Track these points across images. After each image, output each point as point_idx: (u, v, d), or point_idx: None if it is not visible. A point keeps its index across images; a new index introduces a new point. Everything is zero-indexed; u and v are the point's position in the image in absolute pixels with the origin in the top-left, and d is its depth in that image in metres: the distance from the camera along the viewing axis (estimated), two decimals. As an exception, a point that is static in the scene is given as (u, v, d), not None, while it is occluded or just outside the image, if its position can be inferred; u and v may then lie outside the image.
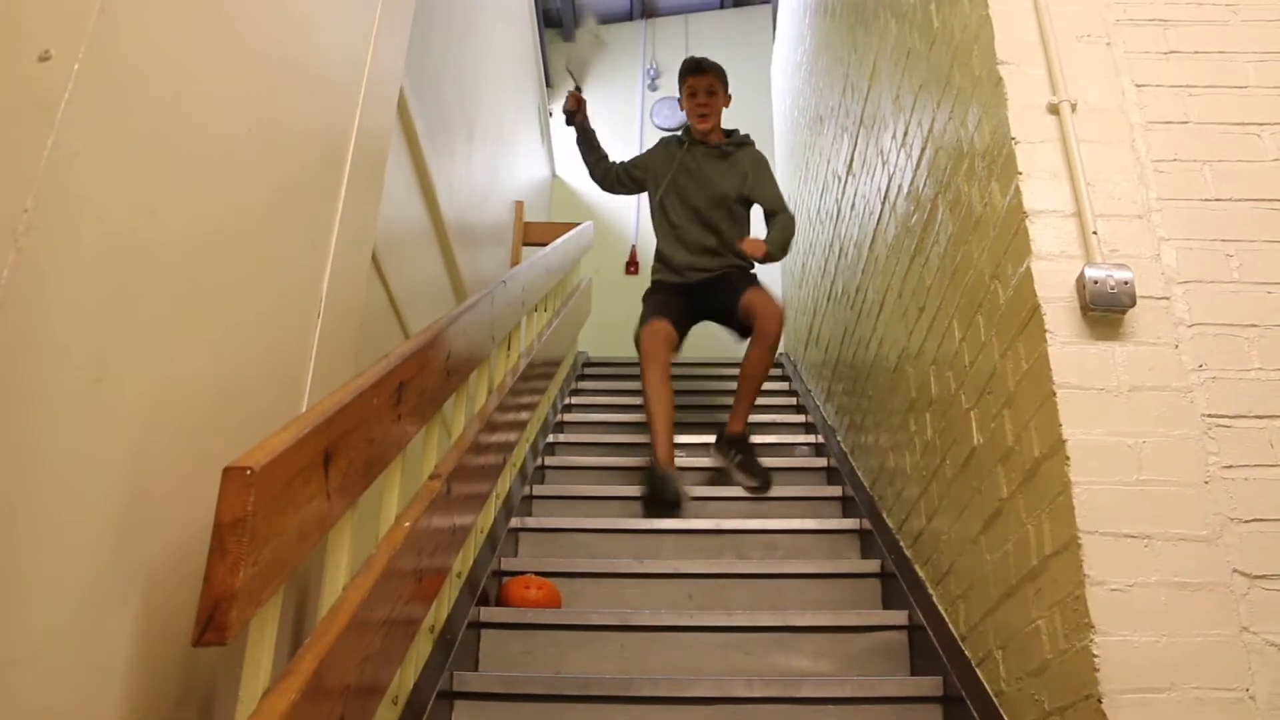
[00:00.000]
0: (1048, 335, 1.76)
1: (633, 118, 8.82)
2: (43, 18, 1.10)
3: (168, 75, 1.33)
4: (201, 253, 1.45)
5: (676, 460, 3.74)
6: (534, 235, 6.05)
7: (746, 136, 4.29)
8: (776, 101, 7.44)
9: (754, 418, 4.19)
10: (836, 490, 3.64)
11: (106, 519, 1.20)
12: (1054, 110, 1.95)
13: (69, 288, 1.11)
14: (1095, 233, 1.82)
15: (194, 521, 1.39)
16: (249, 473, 1.16)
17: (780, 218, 4.02)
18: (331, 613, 1.46)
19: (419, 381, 1.90)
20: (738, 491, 3.62)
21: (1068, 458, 1.67)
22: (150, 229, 1.29)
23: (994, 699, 1.98)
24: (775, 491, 3.64)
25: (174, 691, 1.36)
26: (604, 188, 4.44)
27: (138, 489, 1.27)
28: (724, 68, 4.22)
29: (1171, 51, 2.04)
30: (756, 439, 4.03)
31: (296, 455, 1.30)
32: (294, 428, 1.33)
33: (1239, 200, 1.90)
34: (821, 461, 4.00)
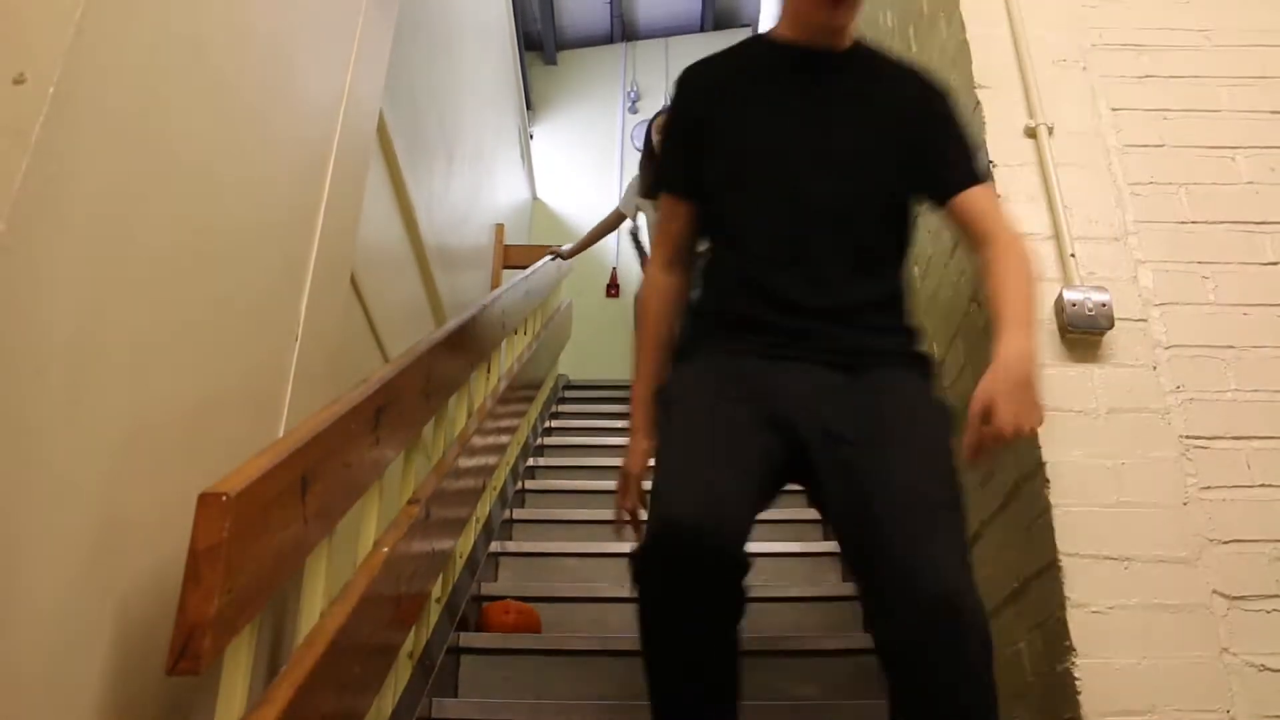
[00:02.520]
0: (1026, 357, 1.76)
1: (613, 140, 8.84)
2: (17, 41, 1.10)
3: (144, 99, 1.33)
4: (178, 275, 1.44)
5: None
6: (514, 258, 6.05)
7: None
8: (756, 124, 7.47)
9: None
10: (816, 513, 3.63)
11: (80, 543, 1.19)
12: (1031, 134, 1.97)
13: (44, 311, 1.10)
14: (1073, 255, 1.83)
15: (169, 547, 1.38)
16: (225, 498, 1.15)
17: None
18: (309, 640, 1.45)
19: (397, 406, 1.89)
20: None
21: (1047, 480, 1.67)
22: (126, 252, 1.28)
23: (976, 722, 1.97)
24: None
25: (148, 719, 1.34)
26: None
27: (112, 513, 1.26)
28: None
29: (1146, 76, 2.06)
30: None
31: (273, 480, 1.28)
32: (271, 453, 1.31)
33: (1214, 222, 1.91)
34: (802, 484, 3.98)
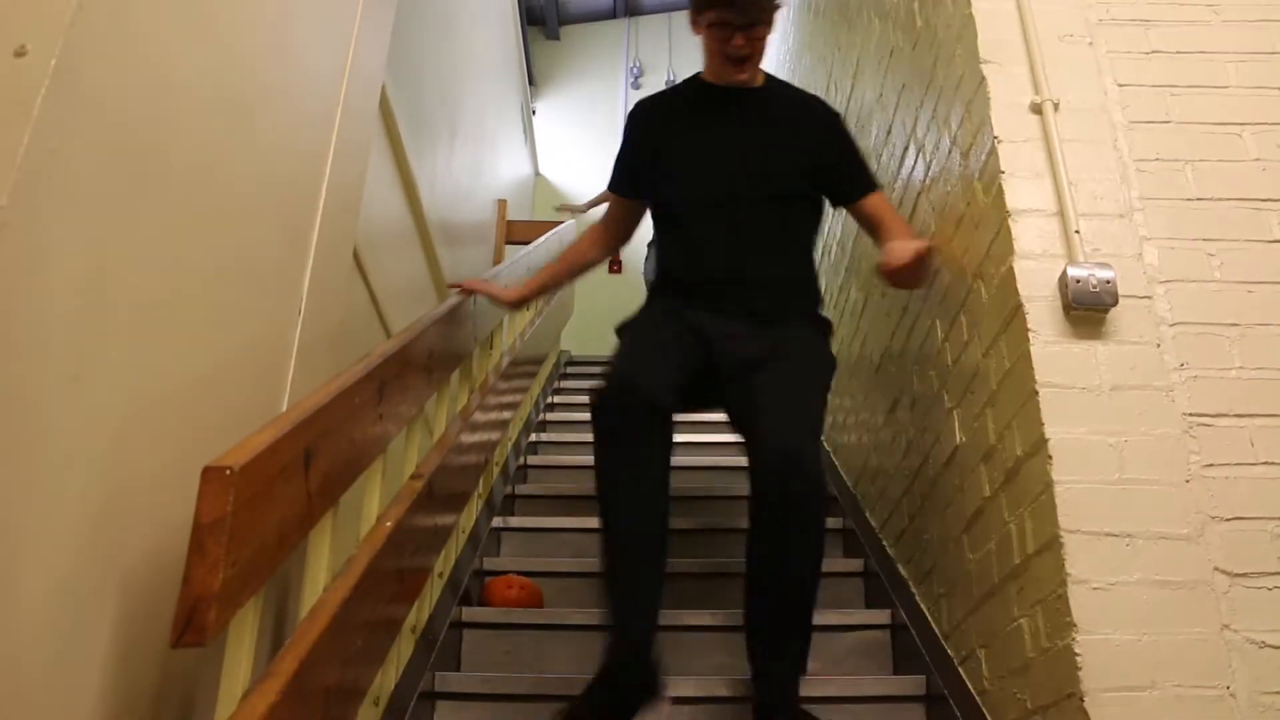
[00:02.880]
0: (1030, 334, 1.76)
1: (615, 116, 8.80)
2: (19, 13, 1.09)
3: (145, 72, 1.32)
4: (181, 250, 1.43)
5: None
6: (517, 233, 6.04)
7: None
8: (759, 100, 7.44)
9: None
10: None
11: (84, 518, 1.19)
12: (1037, 110, 1.96)
13: (45, 286, 1.10)
14: (1078, 232, 1.82)
15: (173, 521, 1.38)
16: (229, 472, 1.15)
17: None
18: (312, 614, 1.45)
19: (401, 380, 1.89)
20: (722, 490, 3.62)
21: (1050, 456, 1.67)
22: (128, 227, 1.28)
23: (976, 698, 1.98)
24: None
25: (152, 692, 1.34)
26: None
27: (116, 488, 1.26)
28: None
29: (1153, 51, 2.04)
30: (739, 437, 3.80)
31: (277, 455, 1.28)
32: (274, 427, 1.32)
33: (1220, 200, 1.90)
34: (804, 460, 3.99)
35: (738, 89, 2.31)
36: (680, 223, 2.30)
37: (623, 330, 2.32)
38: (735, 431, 2.22)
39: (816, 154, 2.28)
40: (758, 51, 2.24)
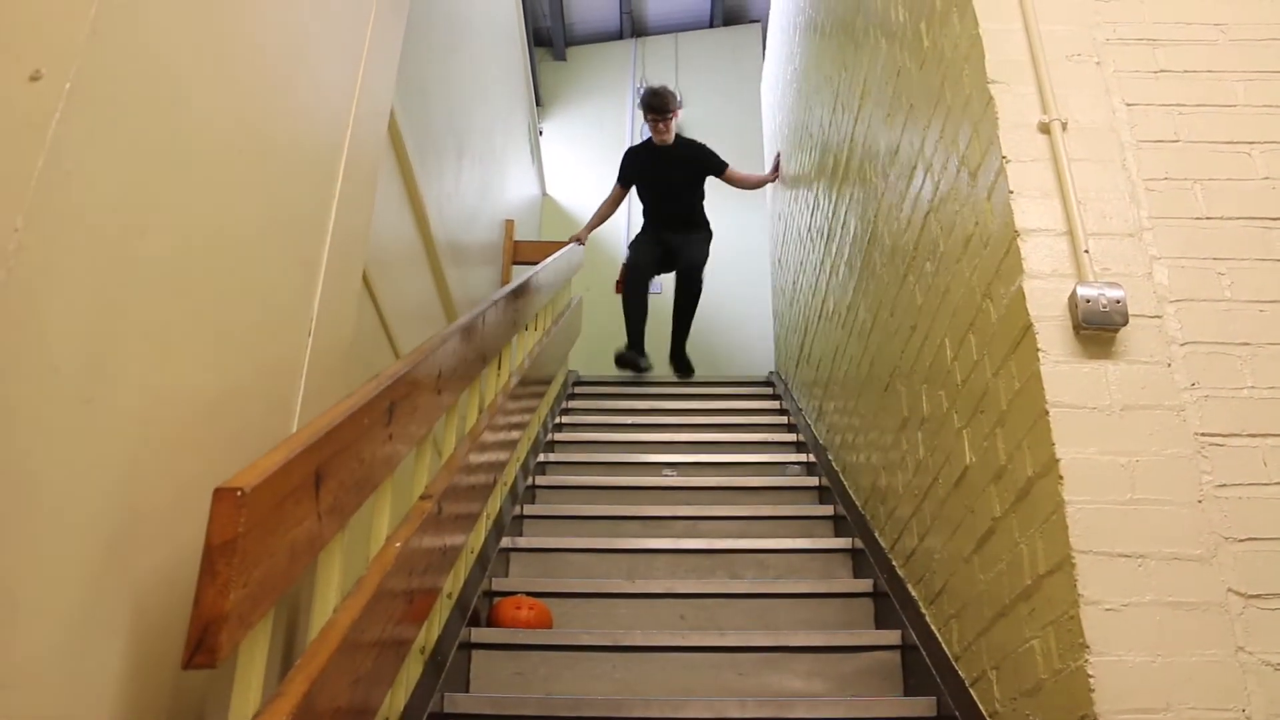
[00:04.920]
0: (1040, 354, 1.76)
1: (622, 137, 8.82)
2: (34, 37, 1.10)
3: (158, 95, 1.33)
4: (192, 272, 1.44)
5: (666, 474, 4.16)
6: (524, 254, 6.06)
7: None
8: (766, 119, 7.47)
9: (744, 437, 4.70)
10: (828, 509, 3.63)
11: (96, 539, 1.19)
12: (1045, 129, 1.96)
13: (59, 307, 1.10)
14: (1087, 251, 1.82)
15: (184, 542, 1.38)
16: (240, 494, 1.15)
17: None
18: (322, 634, 1.45)
19: (410, 401, 1.89)
20: (730, 511, 3.62)
21: (1061, 477, 1.67)
22: (141, 249, 1.29)
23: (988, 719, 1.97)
24: (767, 510, 3.63)
25: (164, 713, 1.34)
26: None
27: (127, 509, 1.26)
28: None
29: (1161, 70, 2.05)
30: (746, 458, 4.37)
31: (287, 476, 1.29)
32: (285, 448, 1.32)
33: (1230, 219, 1.90)
34: (813, 480, 3.99)
35: (663, 145, 5.97)
36: (647, 199, 6.16)
37: (633, 244, 6.15)
38: (672, 269, 6.13)
39: (695, 165, 6.03)
40: (669, 129, 5.89)
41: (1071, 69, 2.03)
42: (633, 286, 5.91)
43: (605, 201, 6.19)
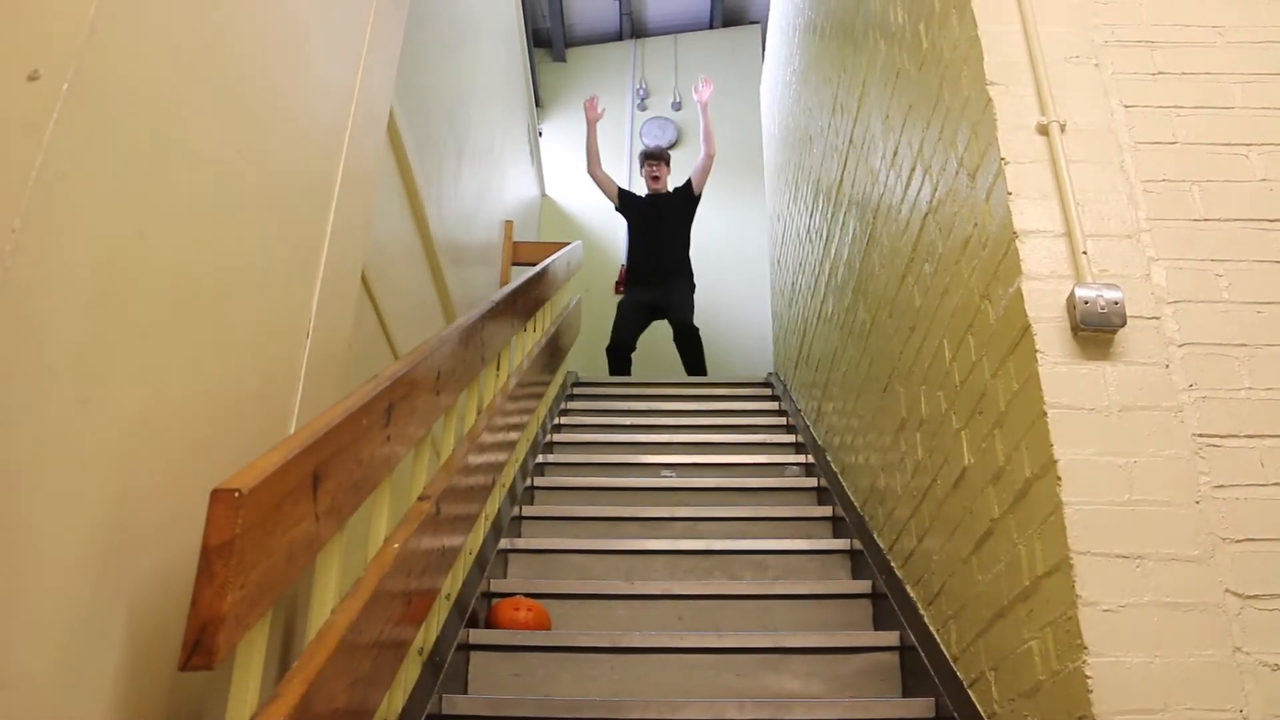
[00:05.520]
0: (1038, 355, 1.76)
1: (622, 137, 8.83)
2: (32, 38, 1.10)
3: (157, 96, 1.33)
4: (190, 273, 1.44)
5: (665, 475, 4.18)
6: (523, 255, 6.06)
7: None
8: (765, 120, 7.47)
9: (743, 438, 4.71)
10: (827, 510, 3.63)
11: (93, 541, 1.19)
12: (1043, 131, 1.96)
13: (56, 309, 1.10)
14: (1085, 252, 1.82)
15: (181, 543, 1.38)
16: (237, 495, 1.15)
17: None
18: (320, 636, 1.45)
19: (408, 402, 1.89)
20: (728, 512, 3.62)
21: (1059, 478, 1.67)
22: (138, 250, 1.29)
23: (986, 720, 1.97)
24: (765, 511, 3.63)
25: (160, 715, 1.34)
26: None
27: (124, 510, 1.26)
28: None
29: (1159, 73, 2.05)
30: (745, 459, 4.35)
31: (285, 477, 1.29)
32: (283, 449, 1.32)
33: (1228, 220, 1.90)
34: (812, 482, 3.99)
35: (658, 192, 6.48)
36: (640, 247, 6.44)
37: (619, 317, 6.39)
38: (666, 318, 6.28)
39: (684, 204, 6.40)
40: (664, 175, 6.49)
41: (1070, 71, 2.03)
42: (616, 365, 6.21)
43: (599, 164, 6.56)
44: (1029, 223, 1.88)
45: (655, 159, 6.56)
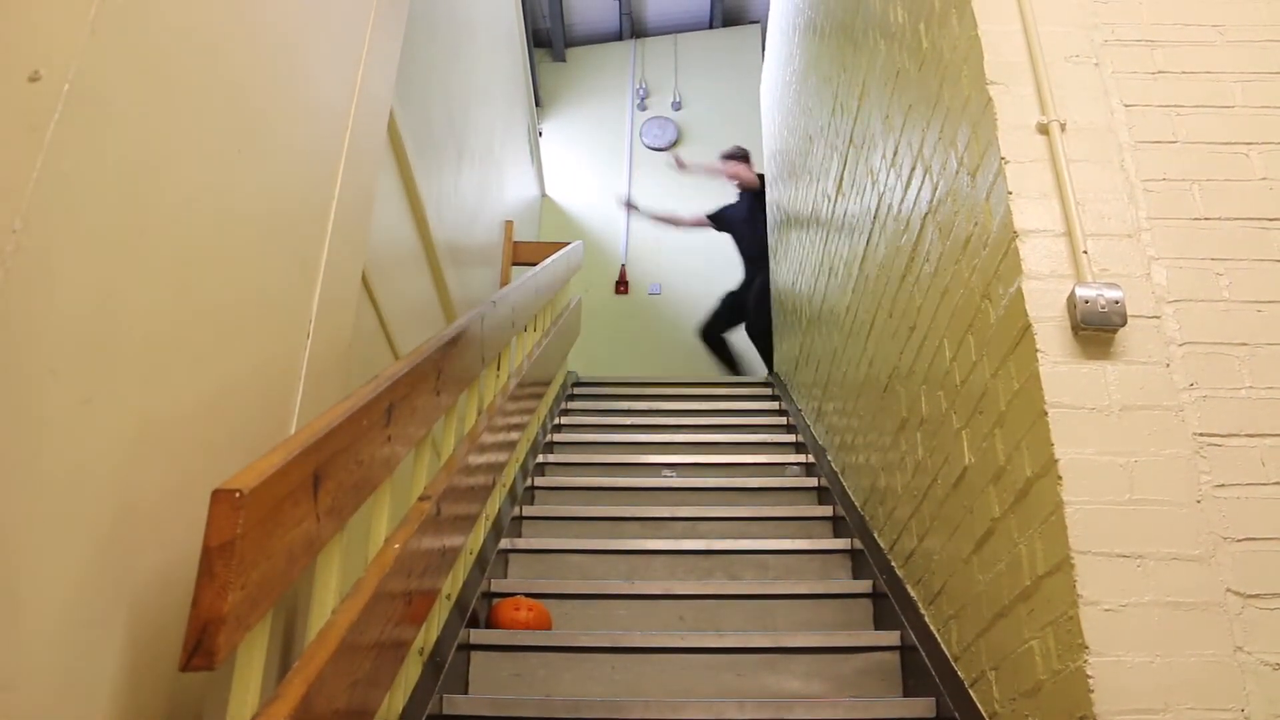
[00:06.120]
0: (1039, 354, 1.76)
1: (622, 137, 8.83)
2: (33, 39, 1.10)
3: (158, 96, 1.33)
4: (191, 273, 1.44)
5: (666, 475, 4.14)
6: (523, 255, 6.06)
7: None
8: (765, 120, 7.46)
9: (743, 438, 4.70)
10: (827, 510, 3.63)
11: (94, 541, 1.19)
12: (1043, 130, 1.96)
13: (56, 309, 1.10)
14: (1085, 252, 1.82)
15: (182, 543, 1.38)
16: (238, 495, 1.15)
17: None
18: (320, 636, 1.45)
19: (409, 403, 1.89)
20: (728, 511, 3.62)
21: (1060, 477, 1.67)
22: (138, 249, 1.29)
23: (987, 720, 1.97)
24: (766, 511, 3.63)
25: (161, 715, 1.34)
26: None
27: (126, 510, 1.26)
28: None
29: (1159, 72, 2.05)
30: (746, 459, 4.35)
31: (286, 477, 1.29)
32: (283, 450, 1.32)
33: (1228, 219, 1.90)
34: (812, 481, 3.99)
35: (747, 190, 6.91)
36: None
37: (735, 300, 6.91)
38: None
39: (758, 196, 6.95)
40: (742, 171, 6.67)
41: (1070, 70, 2.03)
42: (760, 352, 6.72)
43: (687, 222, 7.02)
44: (1029, 222, 1.88)
45: (731, 159, 6.81)
